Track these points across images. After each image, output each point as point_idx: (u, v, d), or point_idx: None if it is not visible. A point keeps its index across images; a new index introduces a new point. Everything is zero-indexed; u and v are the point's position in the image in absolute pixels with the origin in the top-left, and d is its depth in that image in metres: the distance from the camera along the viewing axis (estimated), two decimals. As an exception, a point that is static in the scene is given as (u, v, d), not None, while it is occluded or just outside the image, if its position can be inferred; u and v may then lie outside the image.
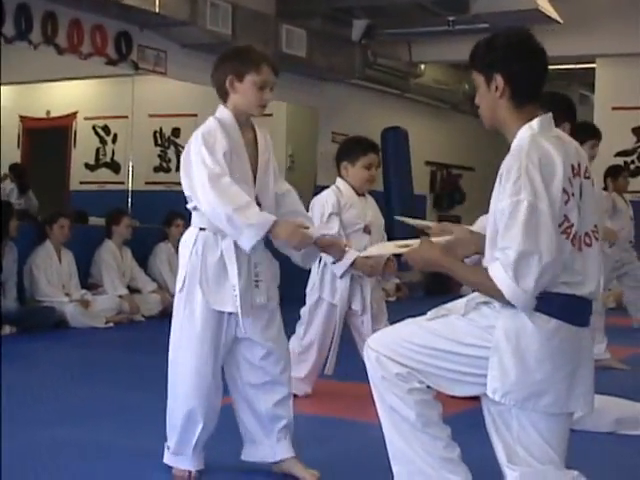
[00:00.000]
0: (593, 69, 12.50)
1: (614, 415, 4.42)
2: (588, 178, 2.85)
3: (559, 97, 4.38)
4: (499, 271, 2.67)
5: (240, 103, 3.44)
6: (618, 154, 11.80)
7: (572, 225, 2.74)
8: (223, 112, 3.47)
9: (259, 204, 3.37)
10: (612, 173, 8.69)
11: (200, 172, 3.29)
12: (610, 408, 4.43)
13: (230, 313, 3.43)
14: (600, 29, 11.62)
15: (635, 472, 3.99)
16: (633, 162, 12.04)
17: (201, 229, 3.42)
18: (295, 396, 4.92)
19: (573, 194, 2.74)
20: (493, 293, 2.71)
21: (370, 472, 3.69)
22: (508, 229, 2.67)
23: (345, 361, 5.18)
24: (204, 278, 3.39)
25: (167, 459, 3.60)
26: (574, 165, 2.78)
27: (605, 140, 5.84)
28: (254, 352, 3.49)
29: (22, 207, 10.41)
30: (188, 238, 3.47)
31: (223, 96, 3.49)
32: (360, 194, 5.16)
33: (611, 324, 7.23)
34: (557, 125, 2.94)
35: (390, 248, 3.39)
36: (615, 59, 12.02)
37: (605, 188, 8.14)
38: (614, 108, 11.96)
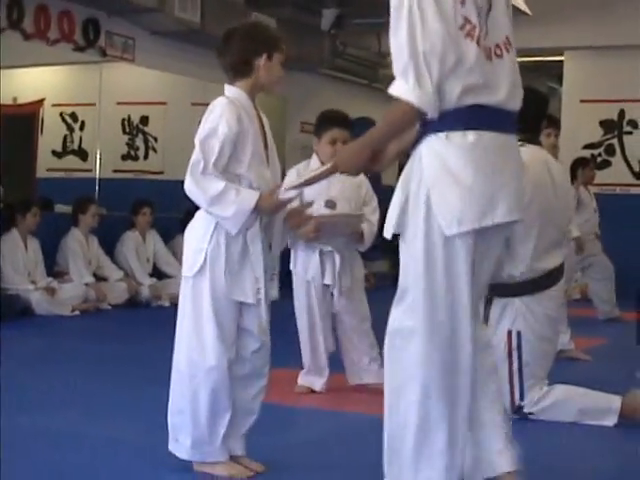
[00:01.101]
0: (561, 61, 12.58)
1: (578, 405, 4.47)
2: None
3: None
4: (399, 85, 2.77)
5: (264, 80, 3.44)
6: (585, 147, 11.87)
7: (474, 27, 2.81)
8: (235, 92, 3.43)
9: (274, 182, 3.43)
10: (579, 165, 8.78)
11: (193, 157, 3.32)
12: (574, 398, 4.49)
13: (241, 304, 3.40)
14: (569, 22, 11.69)
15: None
16: (600, 155, 12.12)
17: None
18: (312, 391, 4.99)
19: None
20: (405, 115, 2.80)
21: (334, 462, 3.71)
22: (394, 35, 2.80)
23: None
24: (227, 268, 3.35)
25: (185, 454, 3.43)
26: None
27: (573, 133, 5.93)
28: (248, 345, 3.45)
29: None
30: (204, 223, 3.39)
31: (240, 74, 3.44)
32: None
33: (576, 315, 7.31)
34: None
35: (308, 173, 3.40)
36: (583, 52, 12.10)
37: (572, 180, 8.22)
38: (582, 101, 12.04)
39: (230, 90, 3.45)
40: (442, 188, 2.81)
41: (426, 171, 2.84)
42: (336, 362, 5.89)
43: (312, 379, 5.03)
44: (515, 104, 2.94)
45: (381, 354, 3.04)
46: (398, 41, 2.79)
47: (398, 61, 2.79)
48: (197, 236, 3.40)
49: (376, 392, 4.79)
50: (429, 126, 2.85)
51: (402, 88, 2.78)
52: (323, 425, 4.44)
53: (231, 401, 3.39)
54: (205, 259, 3.34)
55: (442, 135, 2.83)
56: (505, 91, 2.88)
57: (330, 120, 5.03)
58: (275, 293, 3.51)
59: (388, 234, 2.93)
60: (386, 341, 2.93)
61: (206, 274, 3.35)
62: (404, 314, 2.89)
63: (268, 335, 3.52)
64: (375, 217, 5.05)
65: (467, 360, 2.87)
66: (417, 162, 2.88)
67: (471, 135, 2.81)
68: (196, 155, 3.32)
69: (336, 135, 4.94)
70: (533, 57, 12.54)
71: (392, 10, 2.82)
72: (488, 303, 4.41)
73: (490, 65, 2.85)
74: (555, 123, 5.76)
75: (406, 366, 2.89)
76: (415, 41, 2.75)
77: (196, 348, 3.36)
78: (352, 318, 5.08)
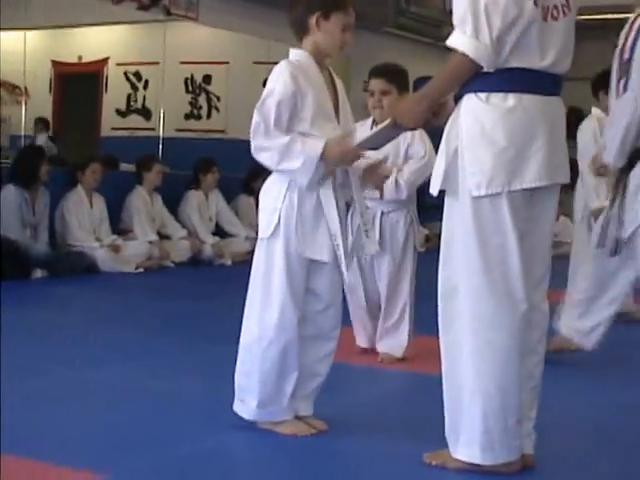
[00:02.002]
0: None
1: None
2: None
3: None
4: (457, 37, 2.78)
5: (322, 42, 3.39)
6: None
7: None
8: (298, 54, 3.41)
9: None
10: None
11: (253, 121, 3.32)
12: None
13: (311, 264, 3.40)
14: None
15: None
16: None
17: None
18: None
19: None
20: (461, 67, 2.80)
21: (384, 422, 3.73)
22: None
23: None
24: (299, 226, 3.35)
25: (251, 415, 3.44)
26: None
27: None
28: (313, 305, 3.45)
29: (52, 153, 10.48)
30: (277, 185, 3.40)
31: (301, 33, 3.41)
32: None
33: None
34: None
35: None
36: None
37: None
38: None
39: (293, 53, 3.43)
40: (476, 149, 2.83)
41: (463, 131, 2.85)
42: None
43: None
44: (562, 68, 2.91)
45: None
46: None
47: (458, 12, 2.78)
48: (271, 197, 3.40)
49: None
50: (471, 84, 2.85)
51: (459, 39, 2.78)
52: (388, 384, 4.45)
53: (299, 361, 3.41)
54: (279, 219, 3.34)
55: (482, 96, 2.83)
56: (554, 55, 2.85)
57: (368, 73, 4.92)
58: (374, 248, 3.50)
59: (434, 191, 2.93)
60: (439, 301, 2.95)
61: (280, 234, 3.35)
62: (455, 273, 2.90)
63: (339, 296, 3.52)
64: (410, 168, 4.84)
65: (520, 322, 2.86)
66: (456, 120, 2.89)
67: (511, 98, 2.81)
68: (256, 117, 3.31)
69: (372, 86, 4.80)
70: (600, 15, 12.27)
71: None
72: None
73: (545, 26, 2.82)
74: None
75: (459, 328, 2.90)
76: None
77: (268, 308, 3.37)
78: None
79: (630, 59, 3.66)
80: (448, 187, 2.92)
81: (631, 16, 3.80)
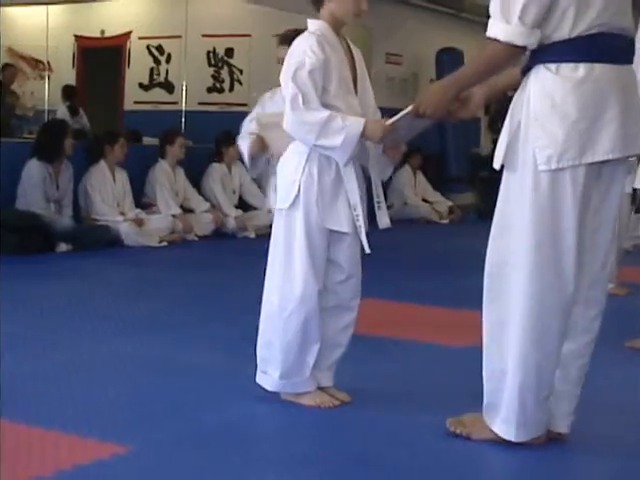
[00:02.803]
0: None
1: None
2: None
3: None
4: (490, 25, 2.73)
5: (337, 10, 3.38)
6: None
7: None
8: (317, 24, 3.40)
9: (362, 112, 3.39)
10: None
11: (286, 94, 3.30)
12: None
13: (331, 234, 3.40)
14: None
15: None
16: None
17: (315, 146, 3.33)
18: None
19: None
20: (496, 56, 2.74)
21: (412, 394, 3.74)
22: None
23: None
24: (319, 197, 3.34)
25: (274, 386, 3.47)
26: None
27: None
28: (334, 276, 3.45)
29: (74, 127, 10.52)
30: (296, 156, 3.39)
31: (317, 3, 3.41)
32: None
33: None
34: None
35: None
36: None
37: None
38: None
39: (311, 23, 3.42)
40: (546, 123, 2.74)
41: (532, 104, 2.77)
42: (420, 293, 5.92)
43: None
44: (631, 28, 2.83)
45: None
46: None
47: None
48: (290, 169, 3.40)
49: (462, 324, 4.80)
50: (539, 55, 2.77)
51: (491, 27, 2.71)
52: (409, 355, 4.46)
53: (320, 332, 3.42)
54: (299, 190, 3.34)
55: (552, 67, 2.75)
56: (621, 9, 2.76)
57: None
58: (386, 221, 3.48)
59: (497, 165, 2.88)
60: (486, 275, 2.91)
61: (299, 205, 3.35)
62: (507, 247, 2.85)
63: (359, 266, 3.52)
64: None
65: (566, 302, 2.83)
66: (525, 94, 2.81)
67: (582, 68, 2.72)
68: (292, 90, 3.27)
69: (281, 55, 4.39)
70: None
71: None
72: None
73: None
74: None
75: (506, 303, 2.87)
76: None
77: (288, 279, 3.38)
78: None
79: None
80: (508, 161, 2.85)
81: None
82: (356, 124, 3.26)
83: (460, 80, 2.89)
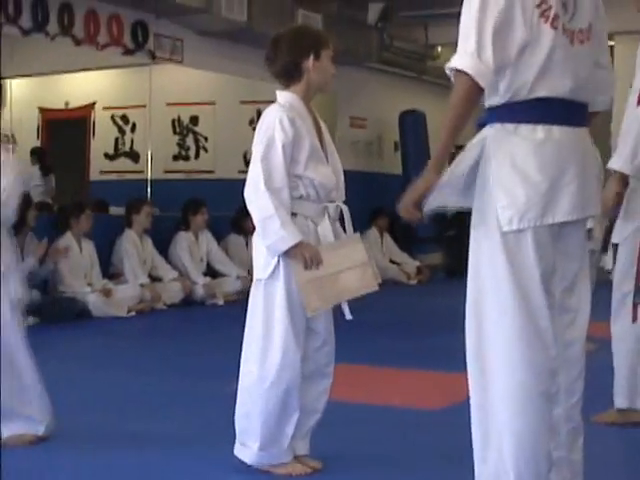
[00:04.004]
0: (612, 47, 12.42)
1: None
2: None
3: None
4: (457, 56, 2.67)
5: (316, 81, 3.43)
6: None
7: (550, 7, 2.71)
8: (288, 97, 3.43)
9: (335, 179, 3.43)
10: None
11: (251, 169, 3.32)
12: None
13: None
14: (618, 6, 11.51)
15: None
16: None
17: (292, 214, 3.34)
18: None
19: None
20: (466, 90, 2.66)
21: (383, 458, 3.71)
22: (465, 8, 2.68)
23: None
24: None
25: (252, 459, 3.41)
26: None
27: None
28: (311, 342, 3.44)
29: (43, 190, 10.50)
30: None
31: (292, 79, 3.43)
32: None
33: None
34: None
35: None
36: (634, 36, 11.91)
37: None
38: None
39: (282, 95, 3.45)
40: (507, 183, 2.73)
41: (493, 164, 2.75)
42: (391, 355, 5.89)
43: None
44: (588, 96, 2.85)
45: None
46: (467, 13, 2.67)
47: (462, 28, 2.68)
48: None
49: (432, 386, 4.77)
50: (497, 114, 2.76)
51: (459, 59, 2.67)
52: (383, 420, 4.43)
53: (300, 400, 3.40)
54: (278, 260, 3.33)
55: (510, 127, 2.75)
56: (581, 80, 2.78)
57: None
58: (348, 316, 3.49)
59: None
60: (467, 337, 2.88)
61: (279, 275, 3.34)
62: (483, 310, 2.80)
63: (333, 332, 3.52)
64: None
65: (547, 364, 2.79)
66: (483, 152, 2.79)
67: (541, 130, 2.73)
68: (257, 169, 3.29)
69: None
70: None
71: None
72: None
73: (571, 51, 2.75)
74: None
75: (489, 365, 2.84)
76: (485, 13, 2.63)
77: (269, 349, 3.35)
78: None
79: None
80: (474, 222, 2.83)
81: None
82: (289, 239, 3.26)
83: (436, 156, 2.80)
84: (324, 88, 3.50)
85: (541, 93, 2.72)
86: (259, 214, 3.29)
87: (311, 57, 3.40)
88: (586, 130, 2.88)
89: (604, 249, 5.66)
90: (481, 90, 2.67)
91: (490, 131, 2.79)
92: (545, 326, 2.77)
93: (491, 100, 2.79)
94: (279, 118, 3.32)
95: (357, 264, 3.41)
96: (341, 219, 3.49)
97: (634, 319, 4.12)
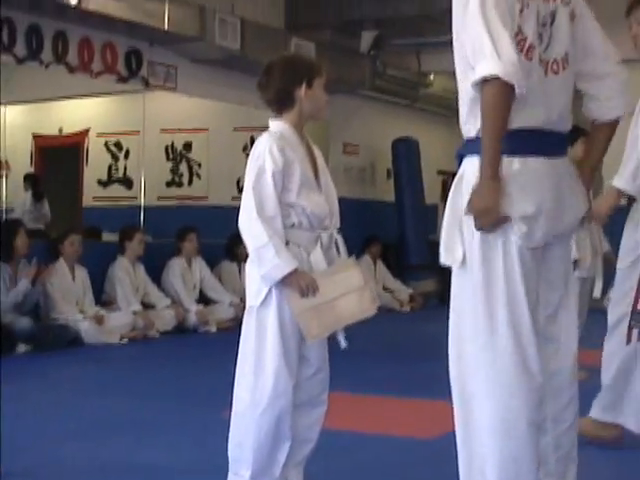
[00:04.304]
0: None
1: None
2: (566, 5, 2.85)
3: None
4: (478, 69, 2.62)
5: (309, 108, 3.43)
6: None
7: (526, 38, 2.72)
8: (279, 125, 3.43)
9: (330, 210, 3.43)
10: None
11: (244, 198, 3.31)
12: None
13: None
14: (619, 35, 11.57)
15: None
16: None
17: (285, 243, 3.32)
18: None
19: (528, 5, 2.73)
20: (498, 95, 2.61)
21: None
22: (463, 29, 2.68)
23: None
24: None
25: None
26: None
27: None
28: (303, 371, 3.42)
29: (36, 216, 10.49)
30: None
31: (284, 107, 3.43)
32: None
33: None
34: None
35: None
36: (635, 64, 11.97)
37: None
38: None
39: (273, 124, 3.45)
40: None
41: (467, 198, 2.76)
42: (386, 383, 5.87)
43: None
44: (566, 125, 2.87)
45: None
46: (470, 29, 2.66)
47: (472, 42, 2.65)
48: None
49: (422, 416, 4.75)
50: (475, 146, 2.75)
51: (482, 67, 2.60)
52: (377, 449, 4.41)
53: (292, 429, 3.38)
54: (270, 288, 3.32)
55: None
56: (556, 111, 2.80)
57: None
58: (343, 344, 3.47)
59: (446, 261, 2.87)
60: (451, 367, 2.87)
61: (272, 303, 3.32)
62: (466, 341, 2.81)
63: (327, 361, 3.50)
64: None
65: (533, 390, 2.78)
66: (462, 185, 2.81)
67: (517, 162, 2.74)
68: (250, 198, 3.28)
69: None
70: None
71: (456, 9, 2.74)
72: None
73: (545, 81, 2.77)
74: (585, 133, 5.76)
75: (474, 391, 2.83)
76: (489, 21, 2.62)
77: (261, 376, 3.33)
78: None
79: None
80: (452, 255, 2.86)
81: None
82: (284, 267, 3.25)
83: (488, 160, 2.68)
84: (317, 116, 3.50)
85: (516, 125, 2.72)
86: (253, 243, 3.28)
87: (303, 85, 3.40)
88: (566, 159, 2.89)
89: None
90: (512, 88, 2.61)
91: (468, 163, 2.80)
92: (532, 353, 2.77)
93: (469, 132, 2.80)
94: (269, 147, 3.32)
95: (354, 289, 3.39)
96: (336, 247, 3.49)
97: (628, 341, 4.14)
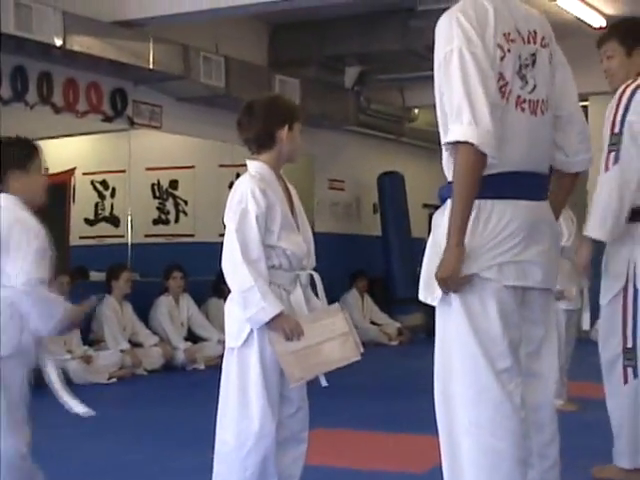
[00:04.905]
0: (586, 107, 12.60)
1: None
2: (545, 47, 2.88)
3: None
4: (453, 130, 2.66)
5: (288, 151, 3.45)
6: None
7: (507, 83, 2.75)
8: (258, 166, 3.43)
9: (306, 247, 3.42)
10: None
11: (227, 241, 3.31)
12: None
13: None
14: (592, 68, 11.68)
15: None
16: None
17: None
18: None
19: (510, 50, 2.76)
20: (471, 160, 2.65)
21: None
22: (449, 87, 2.69)
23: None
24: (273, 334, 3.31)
25: None
26: (520, 28, 2.80)
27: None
28: (285, 409, 3.42)
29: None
30: None
31: (264, 147, 3.44)
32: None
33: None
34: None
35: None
36: (607, 97, 12.08)
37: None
38: (608, 145, 12.00)
39: (252, 165, 3.45)
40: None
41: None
42: (377, 418, 5.86)
43: None
44: (545, 167, 2.90)
45: None
46: (450, 86, 2.70)
47: (452, 105, 2.69)
48: (240, 306, 3.35)
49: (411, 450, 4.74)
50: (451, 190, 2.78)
51: (458, 131, 2.67)
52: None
53: (277, 468, 3.37)
54: (252, 329, 3.33)
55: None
56: (542, 151, 2.83)
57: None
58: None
59: (425, 298, 2.90)
60: (437, 406, 2.88)
61: (253, 343, 3.33)
62: (450, 379, 2.82)
63: (306, 398, 3.50)
64: None
65: (516, 426, 2.79)
66: (439, 229, 2.85)
67: (497, 205, 2.77)
68: (232, 242, 3.29)
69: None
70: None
71: (438, 64, 2.77)
72: None
73: (532, 122, 2.81)
74: None
75: (458, 430, 2.83)
76: (470, 83, 2.67)
77: (245, 417, 3.33)
78: None
79: (620, 132, 3.78)
80: (432, 295, 2.88)
81: (619, 90, 3.97)
82: (269, 310, 3.25)
83: (454, 218, 2.74)
84: (292, 158, 3.51)
85: (494, 169, 2.74)
86: (239, 286, 3.27)
87: (285, 127, 3.41)
88: (545, 203, 2.91)
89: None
90: (485, 156, 2.68)
91: (446, 205, 2.82)
92: (512, 389, 2.77)
93: (450, 176, 2.82)
94: (251, 189, 3.32)
95: (338, 334, 3.40)
96: (313, 285, 3.49)
97: (625, 381, 4.13)
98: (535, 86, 2.84)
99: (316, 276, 3.46)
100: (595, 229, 4.06)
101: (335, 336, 3.39)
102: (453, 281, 2.75)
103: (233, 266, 3.29)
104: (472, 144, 2.64)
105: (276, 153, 3.44)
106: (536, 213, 2.86)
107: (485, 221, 2.76)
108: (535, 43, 2.86)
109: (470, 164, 2.67)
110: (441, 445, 2.87)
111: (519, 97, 2.81)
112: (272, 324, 3.27)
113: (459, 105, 2.67)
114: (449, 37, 2.72)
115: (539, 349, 2.93)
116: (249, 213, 3.29)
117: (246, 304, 3.27)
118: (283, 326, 3.28)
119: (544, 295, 2.95)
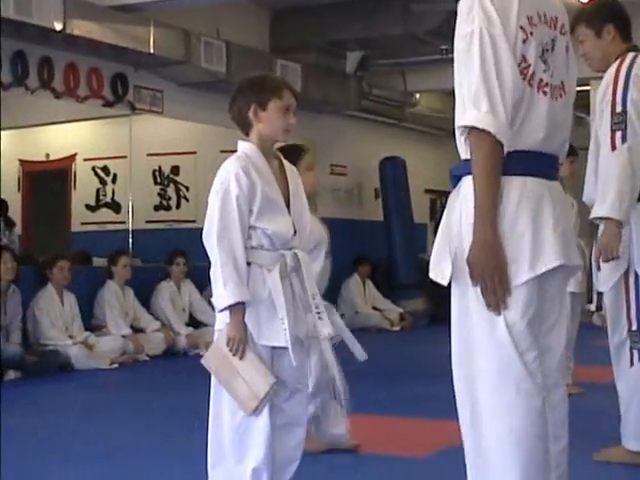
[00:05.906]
0: (588, 91, 12.55)
1: None
2: (564, 35, 2.88)
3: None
4: (470, 115, 2.65)
5: (265, 131, 3.41)
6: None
7: (529, 66, 2.74)
8: (245, 146, 3.42)
9: (295, 231, 3.37)
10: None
11: (209, 217, 3.32)
12: None
13: (273, 351, 3.34)
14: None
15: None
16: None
17: (247, 263, 3.30)
18: None
19: (532, 33, 2.74)
20: (488, 147, 2.64)
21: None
22: (465, 65, 2.68)
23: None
24: (253, 314, 3.29)
25: None
26: (543, 13, 2.79)
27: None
28: (280, 393, 3.38)
29: (5, 242, 10.44)
30: None
31: (245, 128, 3.44)
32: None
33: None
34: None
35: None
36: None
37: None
38: (610, 130, 11.97)
39: (240, 145, 3.45)
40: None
41: (466, 217, 2.74)
42: (381, 402, 5.87)
43: None
44: (563, 150, 2.90)
45: None
46: (469, 69, 2.68)
47: (470, 90, 2.68)
48: None
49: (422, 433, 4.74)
50: (469, 166, 2.74)
51: (475, 117, 2.65)
52: (372, 469, 4.39)
53: (272, 451, 3.36)
54: None
55: None
56: (556, 134, 2.82)
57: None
58: (329, 331, 3.41)
59: (443, 280, 2.86)
60: (457, 389, 2.87)
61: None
62: (471, 360, 2.80)
63: (304, 382, 3.47)
64: None
65: (540, 407, 2.78)
66: (458, 207, 2.79)
67: (516, 182, 2.74)
68: (211, 221, 3.30)
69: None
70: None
71: (458, 42, 2.74)
72: None
73: (552, 105, 2.80)
74: (573, 151, 5.76)
75: (479, 412, 2.82)
76: (489, 70, 2.65)
77: (230, 403, 3.32)
78: None
79: (623, 111, 3.77)
80: (456, 278, 2.82)
81: (610, 70, 3.96)
82: (225, 299, 3.22)
83: (483, 211, 2.67)
84: (275, 138, 3.46)
85: (520, 146, 2.73)
86: (212, 267, 3.28)
87: (252, 108, 3.38)
88: (558, 184, 2.90)
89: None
90: (502, 146, 2.66)
91: (464, 184, 2.78)
92: (533, 369, 2.77)
93: (465, 153, 2.78)
94: (235, 171, 3.31)
95: (251, 385, 3.29)
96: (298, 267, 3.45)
97: (631, 364, 4.13)
98: (554, 71, 2.84)
99: (301, 256, 3.39)
100: (615, 210, 3.98)
101: (250, 385, 3.28)
102: (492, 279, 2.68)
103: (210, 247, 3.30)
104: (491, 133, 2.64)
105: (257, 133, 3.42)
106: (555, 193, 2.86)
107: (517, 198, 2.74)
108: (555, 29, 2.87)
109: (492, 151, 2.66)
110: (463, 428, 2.86)
111: (541, 80, 2.80)
112: (230, 314, 3.25)
113: (477, 91, 2.66)
114: (470, 17, 2.71)
115: (553, 327, 2.93)
116: (230, 193, 3.29)
117: (214, 285, 3.28)
118: (235, 327, 3.25)
119: (562, 273, 2.94)
